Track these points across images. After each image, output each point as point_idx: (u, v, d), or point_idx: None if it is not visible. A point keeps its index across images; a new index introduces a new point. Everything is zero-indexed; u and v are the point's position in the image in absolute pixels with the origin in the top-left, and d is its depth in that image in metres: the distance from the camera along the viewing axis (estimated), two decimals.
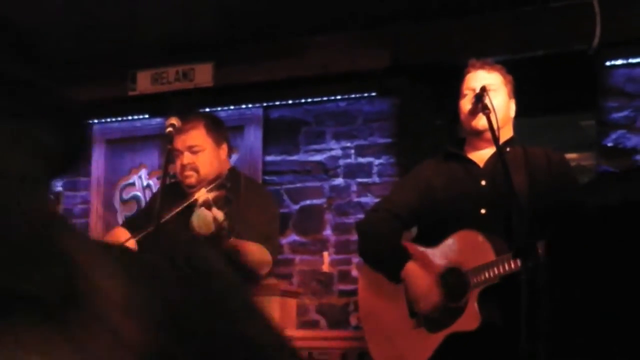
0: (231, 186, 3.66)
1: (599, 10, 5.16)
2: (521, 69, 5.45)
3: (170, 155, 3.72)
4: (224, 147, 4.01)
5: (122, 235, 3.84)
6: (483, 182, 3.43)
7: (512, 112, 3.56)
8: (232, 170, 4.10)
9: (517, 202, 3.10)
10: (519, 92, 3.67)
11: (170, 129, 3.73)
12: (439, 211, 3.48)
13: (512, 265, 3.15)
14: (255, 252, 3.73)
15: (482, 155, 3.49)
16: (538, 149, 3.60)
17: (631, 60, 5.29)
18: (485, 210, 3.37)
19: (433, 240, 3.46)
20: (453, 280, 3.33)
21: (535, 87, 5.79)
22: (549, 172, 3.44)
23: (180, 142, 3.85)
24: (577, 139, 7.78)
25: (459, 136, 3.77)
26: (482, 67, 3.56)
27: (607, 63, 5.32)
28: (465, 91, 3.53)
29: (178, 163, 3.89)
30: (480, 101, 3.37)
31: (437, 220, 3.48)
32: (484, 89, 3.38)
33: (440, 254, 3.38)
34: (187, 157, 3.85)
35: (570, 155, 10.85)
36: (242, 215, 3.81)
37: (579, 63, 5.38)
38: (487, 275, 3.23)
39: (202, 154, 3.87)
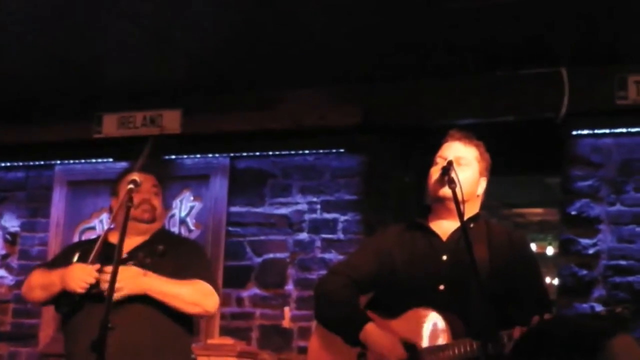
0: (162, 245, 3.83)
1: (567, 80, 5.21)
2: (489, 131, 5.53)
3: (129, 212, 3.67)
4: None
5: (88, 268, 3.79)
6: (444, 257, 3.40)
7: (481, 189, 3.54)
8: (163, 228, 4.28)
9: (477, 284, 3.07)
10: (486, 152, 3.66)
11: (131, 185, 3.69)
12: (398, 283, 3.44)
13: (469, 349, 3.12)
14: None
15: (445, 228, 3.47)
16: (500, 227, 3.60)
17: (597, 131, 5.34)
18: (444, 286, 3.34)
19: (389, 310, 3.42)
20: (409, 356, 3.29)
21: (503, 149, 5.83)
22: (510, 252, 3.43)
23: (146, 181, 3.94)
24: (543, 195, 7.85)
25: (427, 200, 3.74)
26: (459, 139, 3.55)
27: (574, 132, 5.37)
28: (438, 159, 3.52)
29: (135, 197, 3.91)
30: (446, 174, 3.36)
31: (395, 291, 3.44)
32: (450, 163, 3.37)
33: (397, 329, 3.34)
34: (146, 193, 3.98)
35: (535, 211, 11.00)
36: (189, 266, 3.87)
37: (546, 130, 5.42)
38: (442, 356, 3.19)
39: (158, 198, 4.09)
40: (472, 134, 3.60)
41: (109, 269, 3.59)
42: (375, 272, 3.51)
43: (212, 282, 3.98)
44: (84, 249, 3.95)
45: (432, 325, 3.26)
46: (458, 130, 3.60)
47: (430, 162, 3.56)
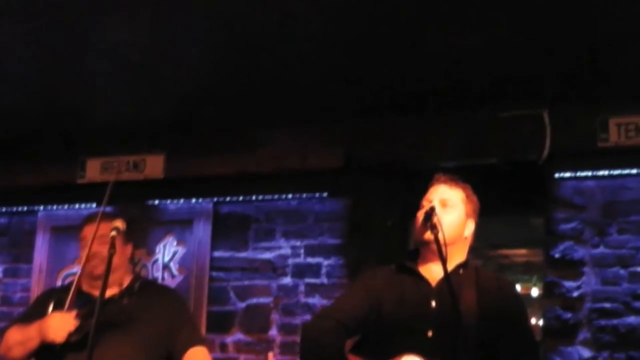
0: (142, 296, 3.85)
1: (548, 122, 5.23)
2: (473, 172, 5.54)
3: (111, 261, 3.65)
4: (129, 246, 4.09)
5: (66, 317, 3.75)
6: (433, 303, 3.39)
7: (468, 231, 3.54)
8: (137, 276, 4.22)
9: (464, 331, 3.07)
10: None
11: (114, 232, 3.68)
12: (386, 327, 3.42)
13: None
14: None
15: (434, 272, 3.45)
16: (489, 274, 3.59)
17: (579, 173, 5.35)
18: (432, 332, 3.33)
19: (376, 354, 3.40)
20: None
21: (487, 190, 5.84)
22: (498, 299, 3.42)
23: (92, 232, 3.87)
24: (528, 236, 7.85)
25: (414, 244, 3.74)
26: (445, 181, 3.57)
27: (556, 175, 5.38)
28: (424, 202, 3.53)
29: (84, 253, 3.88)
30: (428, 219, 3.37)
31: (383, 335, 3.42)
32: (432, 209, 3.37)
33: None
34: (96, 246, 3.86)
35: (520, 252, 10.99)
36: (177, 325, 3.83)
37: (530, 171, 5.43)
38: None
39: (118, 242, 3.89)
40: (458, 177, 3.62)
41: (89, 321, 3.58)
42: (363, 315, 3.49)
43: (202, 340, 3.97)
44: (58, 298, 3.92)
45: None
46: (444, 174, 3.62)
47: (414, 204, 3.56)
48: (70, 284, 4.11)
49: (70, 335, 3.71)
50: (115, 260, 3.76)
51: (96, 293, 3.77)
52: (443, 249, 3.27)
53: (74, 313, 3.74)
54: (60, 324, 3.72)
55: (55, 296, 3.97)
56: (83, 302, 3.78)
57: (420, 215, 3.48)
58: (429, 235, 3.38)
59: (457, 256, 3.46)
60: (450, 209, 3.47)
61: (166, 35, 4.47)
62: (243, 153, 5.90)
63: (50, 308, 3.87)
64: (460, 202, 3.53)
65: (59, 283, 6.44)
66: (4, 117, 5.84)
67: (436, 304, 3.38)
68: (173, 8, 4.13)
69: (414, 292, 3.45)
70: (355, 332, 3.55)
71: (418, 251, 3.59)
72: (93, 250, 3.88)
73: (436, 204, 3.45)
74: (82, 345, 3.55)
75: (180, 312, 4.04)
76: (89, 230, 3.92)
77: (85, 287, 3.95)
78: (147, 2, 4.05)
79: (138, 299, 3.90)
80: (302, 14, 4.15)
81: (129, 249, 4.08)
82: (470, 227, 3.55)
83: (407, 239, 5.95)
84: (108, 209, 5.97)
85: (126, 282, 4.03)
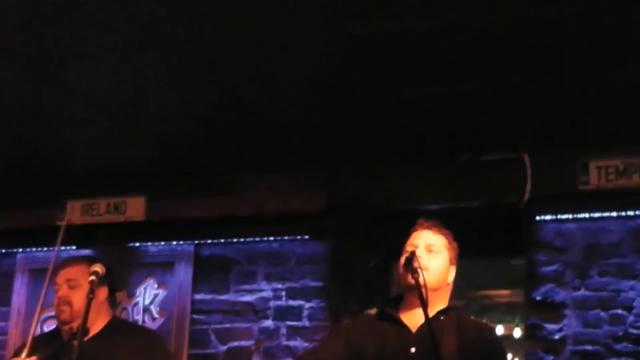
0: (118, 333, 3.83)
1: (529, 165, 5.26)
2: (454, 214, 5.56)
3: (90, 303, 3.61)
4: (104, 289, 3.94)
5: None
6: (412, 350, 3.38)
7: (450, 277, 3.54)
8: (115, 319, 4.09)
9: None
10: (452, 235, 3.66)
11: (93, 277, 3.64)
12: None
13: None
14: None
15: (415, 319, 3.44)
16: (471, 321, 3.59)
17: (560, 216, 5.37)
18: None
19: None
20: None
21: (468, 232, 5.85)
22: (479, 347, 3.41)
23: (59, 276, 3.83)
24: (510, 276, 7.86)
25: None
26: (429, 227, 3.57)
27: (537, 217, 5.40)
28: (407, 247, 3.52)
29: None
30: (409, 264, 3.36)
31: None
32: (413, 253, 3.37)
33: None
34: (62, 290, 3.83)
35: (502, 292, 11.00)
36: None
37: (511, 214, 5.45)
38: None
39: (78, 290, 3.84)
40: (439, 222, 3.62)
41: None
42: None
43: None
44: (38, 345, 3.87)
45: None
46: (427, 219, 3.62)
47: (396, 246, 3.56)
48: (53, 332, 4.08)
49: None
50: (77, 299, 3.78)
51: (65, 337, 3.76)
52: (424, 292, 3.27)
53: (33, 358, 3.69)
54: None
55: (36, 343, 3.92)
56: (55, 346, 3.74)
57: (403, 259, 3.48)
58: (410, 279, 3.37)
59: (439, 302, 3.46)
60: (435, 254, 3.48)
61: (145, 81, 4.47)
62: (224, 196, 5.90)
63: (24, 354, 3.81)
64: (444, 247, 3.54)
65: (37, 326, 6.37)
66: None
67: (416, 349, 3.37)
68: (152, 54, 4.14)
69: (395, 339, 3.44)
70: None
71: (401, 296, 3.58)
72: (59, 295, 3.84)
73: (421, 249, 3.45)
74: None
75: (152, 353, 3.96)
76: (61, 275, 3.87)
77: (63, 334, 3.90)
78: (126, 47, 4.06)
79: (106, 341, 3.85)
80: (285, 60, 4.17)
81: (102, 292, 3.98)
82: (452, 273, 3.55)
83: (389, 282, 5.95)
84: (86, 252, 6.00)
85: (100, 324, 3.97)
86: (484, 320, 3.83)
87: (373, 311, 3.64)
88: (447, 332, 3.35)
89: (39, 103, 4.83)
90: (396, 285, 3.67)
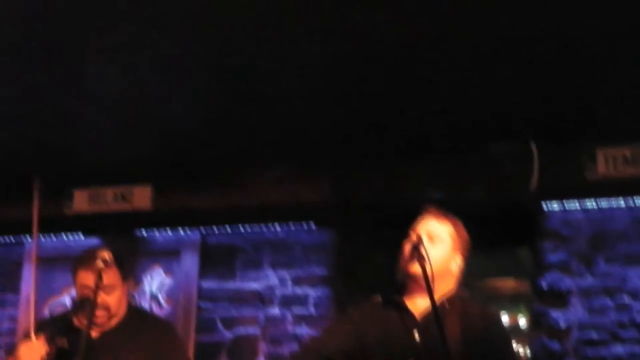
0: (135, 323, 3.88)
1: (536, 155, 5.25)
2: (460, 205, 5.54)
3: (98, 289, 3.64)
4: (129, 285, 4.11)
5: (34, 345, 3.72)
6: (417, 336, 3.38)
7: (455, 266, 3.53)
8: (132, 307, 4.14)
9: None
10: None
11: (101, 264, 3.66)
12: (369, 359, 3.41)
13: None
14: None
15: (419, 305, 3.44)
16: (475, 306, 3.57)
17: (567, 205, 5.37)
18: None
19: None
20: None
21: (474, 222, 5.85)
22: (483, 332, 3.41)
23: (92, 282, 3.78)
24: (515, 266, 7.85)
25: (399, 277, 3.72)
26: (435, 215, 3.56)
27: (544, 207, 5.39)
28: (412, 234, 3.51)
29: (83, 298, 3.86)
30: (416, 250, 3.36)
31: None
32: (420, 239, 3.36)
33: None
34: (99, 298, 3.81)
35: (507, 282, 10.99)
36: (164, 355, 3.81)
37: (517, 204, 5.44)
38: None
39: (114, 293, 3.91)
40: (448, 211, 3.61)
41: (61, 340, 3.58)
42: (347, 349, 3.47)
43: None
44: (44, 326, 3.90)
45: None
46: (434, 207, 3.61)
47: (402, 237, 3.55)
48: (58, 315, 4.10)
49: None
50: (114, 303, 3.87)
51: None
52: (431, 281, 3.26)
53: (41, 339, 3.71)
54: (29, 353, 3.69)
55: (42, 325, 3.95)
56: (73, 337, 3.75)
57: (407, 246, 3.47)
58: (415, 267, 3.37)
59: (442, 290, 3.44)
60: (437, 243, 3.46)
61: (151, 74, 4.48)
62: (230, 186, 5.89)
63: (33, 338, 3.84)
64: (449, 236, 3.52)
65: (46, 313, 6.41)
66: None
67: (420, 336, 3.37)
68: (159, 49, 4.15)
69: (399, 325, 3.44)
70: None
71: (405, 283, 3.57)
72: (99, 301, 3.82)
73: (424, 237, 3.43)
74: None
75: (167, 344, 3.99)
76: (85, 277, 3.85)
77: (76, 322, 3.91)
78: (132, 43, 4.07)
79: (125, 333, 3.89)
80: (291, 56, 4.17)
81: (127, 286, 4.05)
82: (457, 262, 3.53)
83: (395, 273, 5.94)
84: (93, 241, 6.02)
85: (121, 315, 4.00)
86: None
87: (378, 298, 3.64)
88: (450, 318, 3.35)
89: (46, 96, 4.84)
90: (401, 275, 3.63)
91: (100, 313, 3.86)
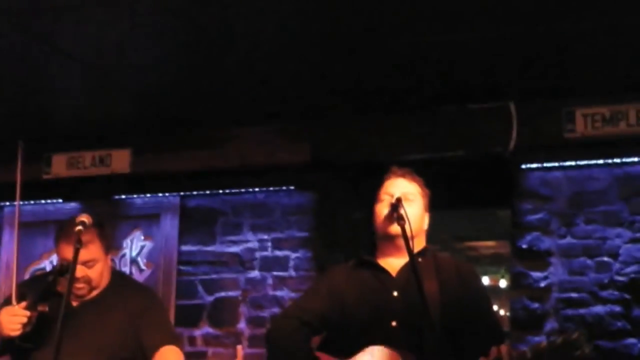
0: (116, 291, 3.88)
1: (515, 114, 5.25)
2: (438, 165, 5.55)
3: (78, 253, 3.61)
4: (111, 254, 4.09)
5: (15, 309, 3.70)
6: (395, 293, 3.38)
7: (426, 224, 3.55)
8: (115, 274, 4.11)
9: (429, 319, 3.07)
10: (436, 187, 3.65)
11: (80, 227, 3.63)
12: (350, 322, 3.40)
13: None
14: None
15: (394, 264, 3.45)
16: (448, 259, 3.59)
17: (546, 164, 5.37)
18: (396, 322, 3.31)
19: (342, 350, 3.38)
20: None
21: (453, 183, 5.86)
22: (459, 283, 3.42)
23: (65, 249, 3.75)
24: (495, 228, 7.89)
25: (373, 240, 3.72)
26: (403, 175, 3.55)
27: (523, 166, 5.39)
28: (383, 196, 3.50)
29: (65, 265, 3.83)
30: (395, 211, 3.35)
31: (348, 330, 3.41)
32: (399, 200, 3.36)
33: None
34: (80, 271, 3.78)
35: (487, 244, 11.06)
36: (145, 325, 3.80)
37: (496, 164, 5.45)
38: None
39: (96, 266, 3.87)
40: (412, 170, 3.61)
41: (43, 306, 3.57)
42: (326, 312, 3.46)
43: (174, 339, 3.91)
44: (21, 292, 3.87)
45: None
46: (400, 167, 3.60)
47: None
48: (40, 277, 4.09)
49: (24, 326, 3.67)
50: (96, 276, 3.85)
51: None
52: (410, 241, 3.26)
53: (23, 304, 3.69)
54: (10, 318, 3.67)
55: (24, 288, 3.92)
56: (54, 302, 3.73)
57: (381, 208, 3.47)
58: (393, 228, 3.36)
59: (417, 247, 3.44)
60: (412, 202, 3.46)
61: (128, 34, 4.43)
62: (209, 148, 5.88)
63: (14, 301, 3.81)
64: (419, 195, 3.53)
65: (26, 278, 6.39)
66: None
67: (398, 293, 3.37)
68: (134, 7, 4.10)
69: (375, 285, 3.44)
70: (319, 330, 3.52)
71: (376, 245, 3.57)
72: (77, 275, 3.76)
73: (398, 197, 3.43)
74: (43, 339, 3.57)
75: (148, 311, 3.96)
76: (67, 250, 3.81)
77: (59, 288, 3.88)
78: (107, 2, 4.02)
79: (109, 299, 3.88)
80: (268, 11, 4.13)
81: (109, 258, 4.03)
82: (426, 220, 3.55)
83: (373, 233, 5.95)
84: (73, 205, 5.98)
85: (105, 281, 3.98)
86: None
87: (351, 262, 3.64)
88: (426, 272, 3.35)
89: (22, 58, 4.79)
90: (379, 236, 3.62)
91: (80, 285, 3.83)
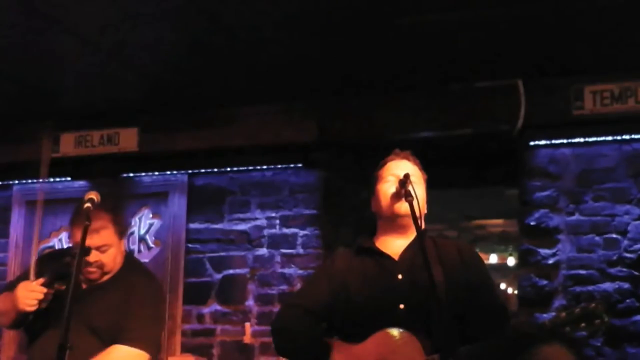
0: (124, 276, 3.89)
1: (523, 92, 5.23)
2: (446, 143, 5.54)
3: (86, 231, 3.61)
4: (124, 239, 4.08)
5: (32, 285, 3.72)
6: (400, 277, 3.36)
7: (425, 208, 3.55)
8: (128, 260, 4.10)
9: (438, 298, 3.06)
10: (444, 165, 3.64)
11: (88, 204, 3.63)
12: (356, 308, 3.37)
13: None
14: None
15: (395, 247, 3.42)
16: (448, 241, 3.57)
17: (554, 141, 5.36)
18: (403, 305, 3.30)
19: (348, 337, 3.37)
20: None
21: (461, 162, 5.84)
22: (461, 265, 3.40)
23: (88, 241, 3.70)
24: (503, 206, 7.88)
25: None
26: (406, 157, 3.55)
27: (531, 143, 5.38)
28: (388, 177, 3.48)
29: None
30: (404, 187, 3.34)
31: (354, 316, 3.38)
32: (407, 176, 3.35)
33: (365, 353, 3.29)
34: (93, 256, 3.80)
35: (495, 222, 11.04)
36: (125, 318, 3.79)
37: (504, 142, 5.44)
38: None
39: (109, 251, 3.88)
40: (411, 152, 3.61)
41: (60, 285, 3.59)
42: (330, 300, 3.44)
43: (138, 339, 3.78)
44: (42, 268, 3.89)
45: (404, 345, 3.22)
46: (402, 150, 3.60)
47: None
48: (55, 255, 4.10)
49: (40, 302, 3.69)
50: (109, 261, 3.86)
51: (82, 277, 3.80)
52: (419, 219, 3.25)
53: (40, 281, 3.71)
54: (27, 293, 3.69)
55: (43, 264, 3.94)
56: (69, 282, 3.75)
57: (389, 187, 3.45)
58: (402, 205, 3.35)
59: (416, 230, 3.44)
60: (416, 184, 3.45)
61: (137, 14, 4.43)
62: (217, 128, 5.88)
63: (32, 277, 3.83)
64: (420, 177, 3.53)
65: (35, 257, 6.41)
66: None
67: (403, 276, 3.35)
68: None
69: (378, 270, 3.41)
70: (324, 317, 3.50)
71: (374, 230, 3.56)
72: (90, 260, 3.80)
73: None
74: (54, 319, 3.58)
75: (136, 302, 3.91)
76: (80, 234, 3.81)
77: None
78: None
79: (110, 286, 3.89)
80: None
81: (122, 244, 4.03)
82: (426, 200, 3.56)
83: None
84: (81, 183, 5.99)
85: (118, 265, 3.98)
86: (477, 250, 3.80)
87: (349, 247, 3.62)
88: (429, 256, 3.34)
89: (31, 38, 4.78)
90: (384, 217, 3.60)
91: (93, 269, 3.84)
